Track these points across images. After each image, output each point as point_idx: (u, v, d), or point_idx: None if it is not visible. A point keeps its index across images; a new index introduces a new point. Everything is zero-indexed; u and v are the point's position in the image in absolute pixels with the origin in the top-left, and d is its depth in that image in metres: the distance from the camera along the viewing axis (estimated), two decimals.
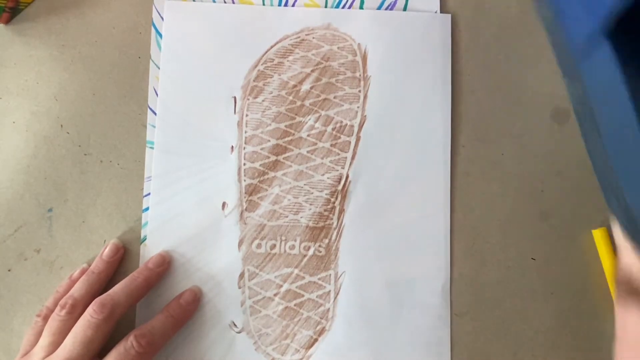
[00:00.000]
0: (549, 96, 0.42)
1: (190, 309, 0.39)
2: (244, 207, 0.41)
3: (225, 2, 0.43)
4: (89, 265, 0.39)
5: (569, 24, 0.27)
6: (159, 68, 0.42)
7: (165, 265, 0.39)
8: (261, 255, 0.40)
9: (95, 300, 0.35)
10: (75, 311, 0.36)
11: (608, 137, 0.28)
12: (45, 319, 0.37)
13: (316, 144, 0.41)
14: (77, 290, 0.37)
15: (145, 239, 0.40)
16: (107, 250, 0.39)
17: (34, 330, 0.37)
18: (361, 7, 0.43)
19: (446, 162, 0.41)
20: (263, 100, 0.42)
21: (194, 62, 0.42)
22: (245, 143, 0.41)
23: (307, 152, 0.41)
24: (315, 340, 0.39)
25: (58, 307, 0.36)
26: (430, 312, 0.40)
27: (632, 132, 0.26)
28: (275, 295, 0.40)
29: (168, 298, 0.39)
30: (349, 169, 0.41)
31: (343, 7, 0.43)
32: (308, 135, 0.42)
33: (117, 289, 0.37)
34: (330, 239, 0.41)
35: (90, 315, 0.35)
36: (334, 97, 0.42)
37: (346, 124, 0.42)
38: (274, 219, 0.41)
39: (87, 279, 0.38)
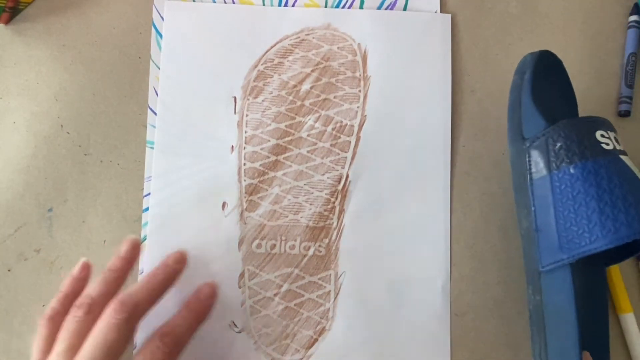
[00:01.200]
0: None
1: (210, 303, 0.37)
2: (244, 207, 0.41)
3: (225, 2, 0.43)
4: (88, 261, 0.37)
5: (543, 243, 0.34)
6: (159, 68, 0.42)
7: (184, 262, 0.37)
8: (261, 255, 0.40)
9: (115, 299, 0.33)
10: (93, 311, 0.33)
11: (552, 350, 0.34)
12: (52, 320, 0.34)
13: (316, 143, 0.41)
14: (94, 289, 0.34)
15: (145, 239, 0.40)
16: (124, 247, 0.37)
17: (43, 335, 0.34)
18: (361, 7, 0.43)
19: (446, 162, 0.41)
20: (263, 100, 0.42)
21: (194, 62, 0.42)
22: (245, 143, 0.41)
23: (307, 152, 0.41)
24: (315, 340, 0.39)
25: (74, 308, 0.33)
26: (430, 311, 0.40)
27: (573, 346, 0.33)
28: (275, 295, 0.40)
29: (168, 298, 0.39)
30: (349, 169, 0.41)
31: (343, 7, 0.43)
32: (308, 135, 0.42)
33: (137, 286, 0.34)
34: (330, 239, 0.41)
35: (110, 316, 0.32)
36: (334, 97, 0.42)
37: (346, 124, 0.42)
38: (274, 219, 0.41)
39: (104, 277, 0.35)
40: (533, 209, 0.35)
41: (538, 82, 0.36)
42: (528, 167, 0.35)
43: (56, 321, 0.34)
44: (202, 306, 0.36)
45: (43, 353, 0.33)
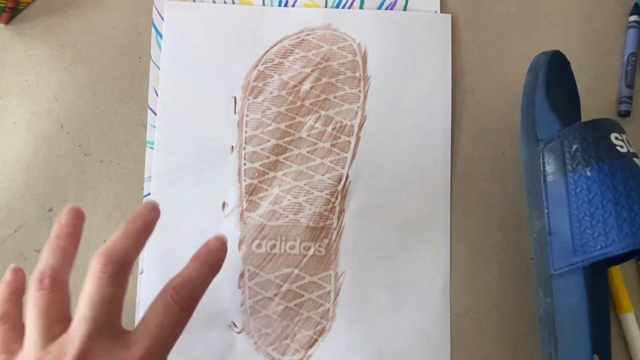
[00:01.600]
0: None
1: (221, 256, 0.33)
2: (244, 207, 0.41)
3: (225, 2, 0.43)
4: (17, 266, 0.33)
5: (556, 246, 0.34)
6: (159, 68, 0.42)
7: (157, 211, 0.32)
8: (261, 256, 0.40)
9: (97, 253, 0.29)
10: (58, 283, 0.29)
11: (563, 353, 0.34)
12: (3, 319, 0.30)
13: (316, 144, 0.41)
14: (50, 258, 0.30)
15: None
16: (65, 216, 0.32)
17: None
18: (361, 7, 0.43)
19: (446, 162, 0.41)
20: (263, 101, 0.42)
21: (194, 62, 0.42)
22: (245, 143, 0.41)
23: (307, 152, 0.41)
24: (316, 340, 0.39)
25: (36, 283, 0.29)
26: (430, 312, 0.40)
27: (585, 349, 0.33)
28: (275, 295, 0.40)
29: None
30: (349, 169, 0.41)
31: (343, 7, 0.43)
32: (308, 135, 0.42)
33: (117, 237, 0.30)
34: (330, 239, 0.41)
35: (99, 271, 0.28)
36: (334, 97, 0.42)
37: (346, 124, 0.42)
38: (274, 219, 0.41)
39: (55, 246, 0.31)
40: (547, 211, 0.34)
41: (551, 83, 0.36)
42: (542, 169, 0.35)
43: (9, 318, 0.30)
44: (215, 257, 0.33)
45: (6, 346, 0.29)
